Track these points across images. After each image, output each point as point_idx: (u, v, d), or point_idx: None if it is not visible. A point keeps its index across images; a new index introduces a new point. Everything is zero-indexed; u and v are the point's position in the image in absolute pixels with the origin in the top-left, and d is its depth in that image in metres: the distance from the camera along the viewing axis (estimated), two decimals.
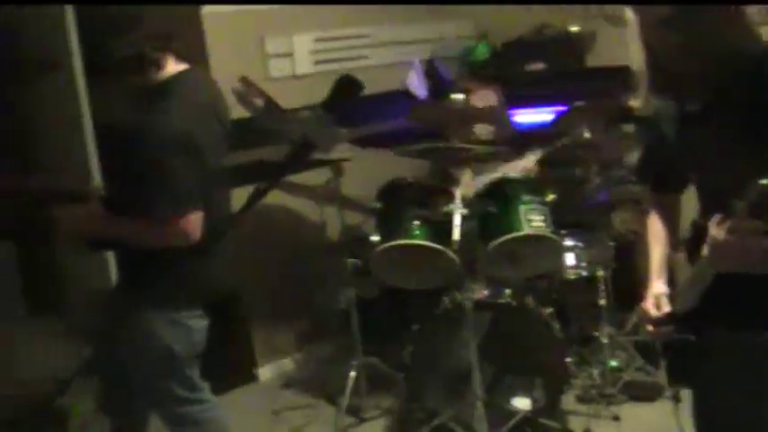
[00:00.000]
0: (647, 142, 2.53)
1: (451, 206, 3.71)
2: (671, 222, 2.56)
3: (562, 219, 4.01)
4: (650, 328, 2.45)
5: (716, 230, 2.02)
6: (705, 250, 2.09)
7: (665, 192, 2.57)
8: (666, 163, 2.43)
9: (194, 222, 2.84)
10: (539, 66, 5.43)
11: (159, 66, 2.88)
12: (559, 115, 4.35)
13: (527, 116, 5.11)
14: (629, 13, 2.18)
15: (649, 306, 2.42)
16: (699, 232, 2.20)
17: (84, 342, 4.52)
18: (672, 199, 2.58)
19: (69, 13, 5.04)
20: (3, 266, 4.10)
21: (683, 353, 2.36)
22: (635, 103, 2.32)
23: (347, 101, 2.09)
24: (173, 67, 2.92)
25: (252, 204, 2.01)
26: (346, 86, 2.09)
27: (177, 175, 2.80)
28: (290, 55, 4.94)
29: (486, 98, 4.64)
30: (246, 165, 4.01)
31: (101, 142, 4.94)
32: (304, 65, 4.99)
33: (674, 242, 2.52)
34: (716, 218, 2.02)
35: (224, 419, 3.29)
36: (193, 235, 2.84)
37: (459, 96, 4.07)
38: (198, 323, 3.08)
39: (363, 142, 4.84)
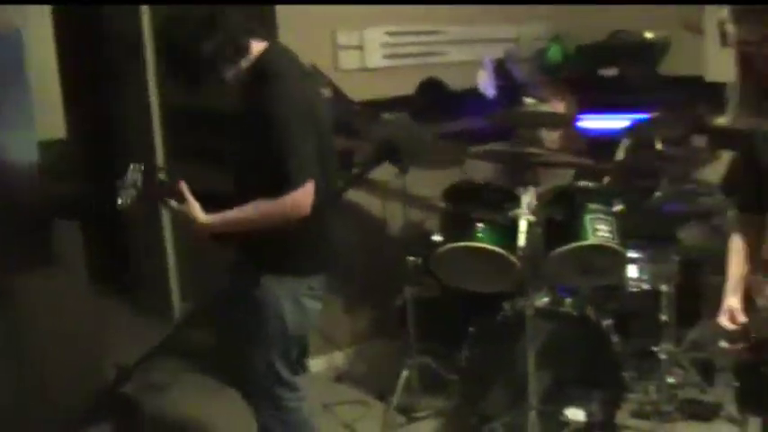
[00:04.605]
0: (739, 159, 2.46)
1: (518, 211, 3.66)
2: (754, 241, 2.50)
3: (629, 230, 3.94)
4: (725, 343, 2.39)
5: None
6: None
7: (752, 211, 2.49)
8: (757, 184, 2.35)
9: (310, 193, 2.84)
10: (612, 71, 5.34)
11: (248, 50, 2.96)
12: (634, 124, 4.26)
13: (598, 122, 5.02)
14: (711, 25, 2.10)
15: (724, 320, 2.37)
16: None
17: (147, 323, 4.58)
18: (757, 219, 2.50)
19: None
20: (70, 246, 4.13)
21: (756, 377, 2.31)
22: (722, 120, 2.25)
23: (432, 101, 2.05)
24: (257, 46, 3.00)
25: (336, 198, 2.00)
26: (431, 88, 2.05)
27: (301, 141, 2.83)
28: (360, 48, 4.90)
29: (556, 109, 4.58)
30: None
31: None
32: (373, 58, 4.95)
33: (754, 262, 2.46)
34: None
35: (309, 415, 3.30)
36: (306, 207, 2.84)
37: (531, 100, 4.01)
38: (313, 304, 3.14)
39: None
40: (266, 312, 3.05)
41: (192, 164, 4.82)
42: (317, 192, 2.87)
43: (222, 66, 2.93)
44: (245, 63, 2.97)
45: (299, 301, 3.07)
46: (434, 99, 1.99)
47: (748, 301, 2.38)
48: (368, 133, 3.36)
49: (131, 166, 3.03)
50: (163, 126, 5.35)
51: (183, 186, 2.96)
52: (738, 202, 2.53)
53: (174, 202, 2.97)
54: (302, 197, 2.82)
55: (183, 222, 3.01)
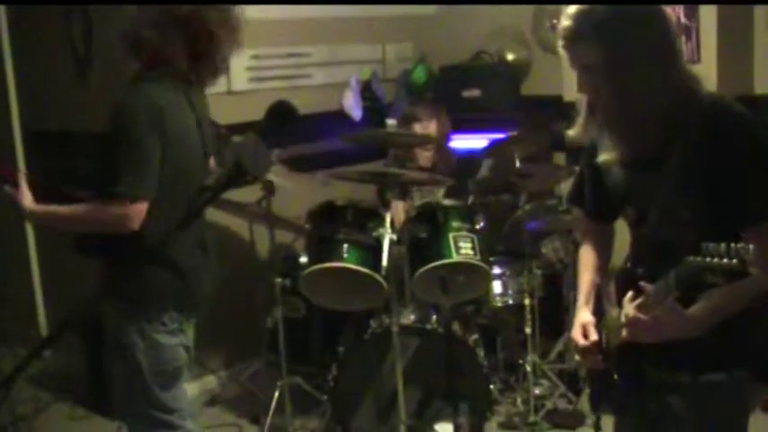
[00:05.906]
0: (584, 171, 2.52)
1: (381, 231, 3.71)
2: (603, 250, 2.57)
3: (492, 246, 4.03)
4: (578, 357, 2.47)
5: (629, 308, 2.10)
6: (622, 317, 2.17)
7: (599, 220, 2.57)
8: (601, 194, 2.43)
9: (139, 211, 2.74)
10: (474, 92, 5.47)
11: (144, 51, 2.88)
12: (492, 143, 4.38)
13: (462, 142, 5.14)
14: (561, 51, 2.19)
15: (577, 335, 2.43)
16: (625, 282, 2.25)
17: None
18: (605, 228, 2.58)
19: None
20: None
21: (608, 381, 2.40)
22: (571, 132, 2.33)
23: (282, 124, 2.08)
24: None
25: (186, 224, 2.01)
26: (281, 111, 2.09)
27: (139, 155, 2.74)
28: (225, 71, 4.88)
29: (429, 128, 4.66)
30: None
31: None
32: (239, 81, 4.96)
33: (604, 272, 2.53)
34: (630, 295, 2.14)
35: None
36: (133, 221, 2.73)
37: (392, 121, 4.10)
38: (167, 339, 2.98)
39: (298, 163, 4.80)
40: (119, 350, 2.95)
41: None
42: (167, 218, 2.76)
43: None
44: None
45: (150, 336, 2.93)
46: (283, 123, 2.01)
47: (600, 311, 2.46)
48: (221, 156, 3.37)
49: None
50: (24, 143, 5.21)
51: (21, 175, 2.93)
52: (587, 212, 2.60)
53: (8, 187, 2.91)
54: (129, 210, 2.72)
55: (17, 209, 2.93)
